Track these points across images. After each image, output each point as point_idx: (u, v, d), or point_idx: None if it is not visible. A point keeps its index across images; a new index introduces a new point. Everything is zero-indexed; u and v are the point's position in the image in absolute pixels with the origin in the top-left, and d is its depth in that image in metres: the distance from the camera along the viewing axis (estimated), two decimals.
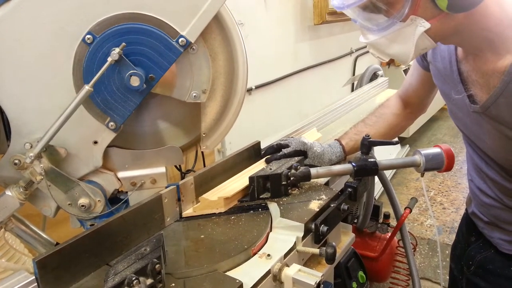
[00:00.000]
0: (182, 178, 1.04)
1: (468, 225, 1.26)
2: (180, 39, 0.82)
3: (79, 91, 0.78)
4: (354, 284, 1.70)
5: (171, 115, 0.96)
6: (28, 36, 0.78)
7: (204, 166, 1.07)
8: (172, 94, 0.90)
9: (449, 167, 1.06)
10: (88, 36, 0.79)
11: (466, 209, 1.30)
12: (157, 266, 0.70)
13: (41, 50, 0.79)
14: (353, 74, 3.66)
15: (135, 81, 0.80)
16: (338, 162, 1.22)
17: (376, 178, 1.97)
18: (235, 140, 2.17)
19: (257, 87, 2.45)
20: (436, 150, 1.07)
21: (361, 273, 1.76)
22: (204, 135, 0.97)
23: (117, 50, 0.77)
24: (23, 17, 0.77)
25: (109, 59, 0.77)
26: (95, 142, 0.88)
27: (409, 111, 1.36)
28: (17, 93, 0.81)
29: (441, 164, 1.06)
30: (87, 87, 0.77)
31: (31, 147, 0.82)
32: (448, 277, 1.39)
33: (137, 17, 0.80)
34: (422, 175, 1.11)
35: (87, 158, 0.89)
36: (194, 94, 0.90)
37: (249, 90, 2.39)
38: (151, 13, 0.81)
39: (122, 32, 0.80)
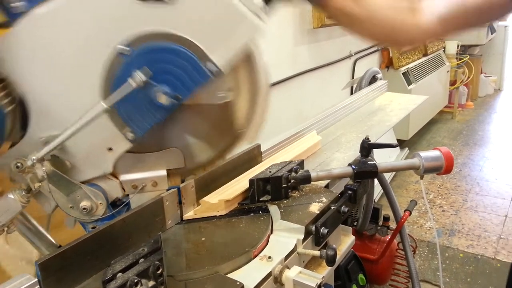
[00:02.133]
0: (183, 181, 1.04)
1: None
2: (209, 64, 0.82)
3: (99, 103, 0.78)
4: (354, 287, 1.69)
5: (197, 128, 0.96)
6: (66, 35, 0.79)
7: (205, 169, 1.07)
8: (199, 100, 0.90)
9: (448, 170, 1.07)
10: (124, 47, 0.79)
11: None
12: (159, 268, 0.70)
13: (75, 51, 0.80)
14: (352, 77, 3.67)
15: (162, 99, 0.80)
16: None
17: (376, 180, 1.98)
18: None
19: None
20: (435, 152, 1.08)
21: (361, 275, 1.76)
22: (241, 131, 0.97)
23: (142, 77, 0.78)
24: (64, 16, 0.78)
25: (132, 82, 0.78)
26: (110, 149, 0.88)
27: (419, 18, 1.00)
28: (44, 86, 0.82)
29: (440, 167, 1.07)
30: (105, 106, 0.78)
31: (46, 143, 0.82)
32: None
33: (171, 37, 0.80)
34: (422, 177, 1.12)
35: (98, 163, 0.89)
36: (221, 94, 0.89)
37: None
38: (186, 35, 0.80)
39: (157, 49, 0.80)
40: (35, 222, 0.98)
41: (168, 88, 0.81)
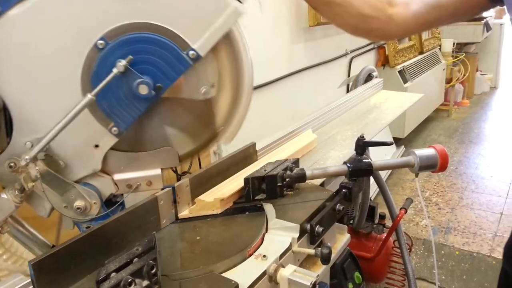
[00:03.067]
0: (178, 180, 1.04)
1: None
2: (191, 52, 0.82)
3: (82, 99, 0.78)
4: (350, 285, 1.69)
5: (178, 120, 0.96)
6: (40, 35, 0.78)
7: (200, 168, 1.07)
8: (181, 94, 0.90)
9: (443, 167, 1.07)
10: (101, 41, 0.79)
11: None
12: (153, 267, 0.70)
13: (51, 50, 0.79)
14: (348, 75, 3.68)
15: (143, 90, 0.80)
16: None
17: (372, 179, 1.98)
18: (231, 142, 2.17)
19: (253, 88, 2.46)
20: (430, 150, 1.08)
21: (357, 273, 1.76)
22: (221, 129, 0.97)
23: (123, 62, 0.78)
24: (36, 17, 0.77)
25: (114, 70, 0.78)
26: (96, 146, 0.87)
27: (394, 10, 1.02)
28: (23, 90, 0.81)
29: (435, 165, 1.07)
30: (89, 96, 0.77)
31: (32, 146, 0.82)
32: (500, 280, 1.24)
33: (150, 27, 0.81)
34: (417, 175, 1.12)
35: (87, 161, 0.89)
36: (203, 90, 0.89)
37: None
38: (164, 24, 0.81)
39: (134, 41, 0.80)
40: (25, 224, 0.97)
41: (149, 78, 0.81)
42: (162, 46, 0.81)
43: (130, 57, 0.79)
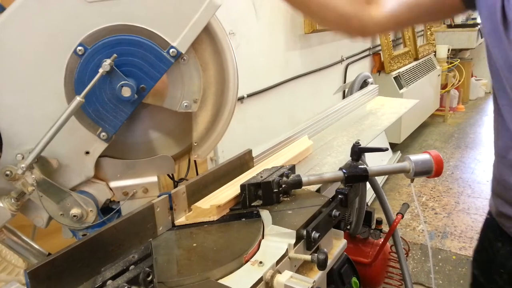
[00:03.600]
0: (175, 187, 1.04)
1: (493, 230, 1.13)
2: (171, 50, 0.83)
3: (71, 102, 0.78)
4: None
5: (163, 124, 0.97)
6: (19, 47, 0.79)
7: (197, 175, 1.07)
8: (163, 104, 0.91)
9: (438, 173, 1.08)
10: (80, 47, 0.80)
11: (490, 213, 1.16)
12: (149, 275, 0.70)
13: (32, 61, 0.80)
14: (344, 82, 3.69)
15: (126, 92, 0.81)
16: None
17: (368, 184, 1.99)
18: (228, 149, 2.18)
19: (249, 95, 2.47)
20: (425, 156, 1.09)
21: (354, 279, 1.76)
22: (195, 144, 0.97)
23: (108, 61, 0.78)
24: (14, 29, 0.78)
25: (101, 70, 0.78)
26: (87, 153, 0.88)
27: (372, 9, 1.04)
28: (7, 104, 0.82)
29: (430, 170, 1.08)
30: (78, 98, 0.78)
31: (23, 158, 0.82)
32: (470, 286, 1.28)
33: (128, 28, 0.81)
34: (412, 181, 1.13)
35: (79, 168, 0.89)
36: (185, 104, 0.90)
37: (241, 99, 2.40)
38: (142, 24, 0.82)
39: (113, 44, 0.81)
40: (20, 233, 0.97)
41: (131, 80, 0.82)
42: (142, 47, 0.82)
43: (115, 55, 0.80)
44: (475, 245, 1.26)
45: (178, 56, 0.84)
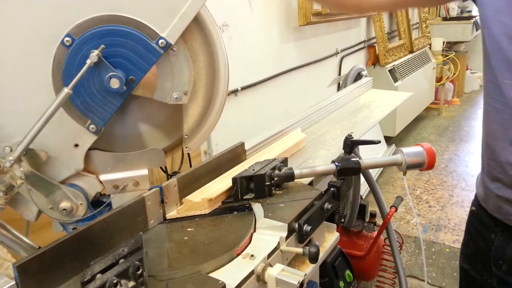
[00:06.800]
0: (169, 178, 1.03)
1: (482, 222, 1.14)
2: (160, 41, 0.82)
3: (58, 94, 0.77)
4: (341, 283, 1.70)
5: (153, 117, 0.96)
6: (4, 39, 0.78)
7: (191, 167, 1.07)
8: (153, 96, 0.90)
9: (430, 165, 1.08)
10: (67, 38, 0.79)
11: (478, 204, 1.16)
12: (139, 268, 0.70)
13: (18, 53, 0.79)
14: (339, 74, 3.69)
15: (115, 83, 0.80)
16: None
17: (362, 177, 1.99)
18: (222, 141, 2.17)
19: (243, 88, 2.46)
20: (418, 148, 1.08)
21: (348, 272, 1.77)
22: (186, 136, 0.97)
23: (96, 52, 0.77)
24: (2, 19, 0.76)
25: (88, 61, 0.77)
26: (76, 145, 0.87)
27: None
28: None
29: (422, 163, 1.07)
30: (66, 90, 0.77)
31: (11, 150, 0.81)
32: (460, 281, 1.31)
33: (116, 19, 0.80)
34: (405, 173, 1.12)
35: (68, 161, 0.88)
36: (175, 96, 0.89)
37: (235, 91, 2.39)
38: (130, 15, 0.80)
39: (101, 34, 0.80)
40: (9, 227, 0.96)
41: (120, 72, 0.80)
42: (131, 37, 0.81)
43: (103, 46, 0.78)
44: (462, 239, 1.28)
45: (167, 47, 0.83)
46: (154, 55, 0.82)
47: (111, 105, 0.84)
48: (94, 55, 0.77)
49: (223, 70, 0.92)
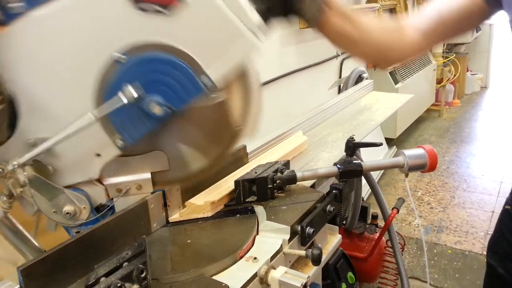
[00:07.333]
0: None
1: None
2: (204, 78, 0.82)
3: (83, 116, 0.78)
4: (344, 285, 1.70)
5: (188, 136, 0.95)
6: (63, 39, 0.77)
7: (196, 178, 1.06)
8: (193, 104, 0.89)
9: (432, 167, 1.08)
10: (120, 55, 0.79)
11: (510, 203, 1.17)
12: (143, 271, 0.70)
13: (71, 56, 0.79)
14: (340, 77, 3.69)
15: (155, 109, 0.80)
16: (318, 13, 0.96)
17: (364, 179, 1.99)
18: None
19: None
20: (419, 150, 1.09)
21: (350, 274, 1.76)
22: (240, 128, 0.95)
23: (134, 93, 0.78)
24: (62, 21, 0.77)
25: (123, 98, 0.77)
26: (98, 155, 0.87)
27: (407, 35, 1.05)
28: (36, 90, 0.80)
29: (424, 165, 1.08)
30: (91, 115, 0.77)
31: (34, 145, 0.81)
32: (485, 277, 1.31)
33: (169, 48, 0.80)
34: (406, 175, 1.13)
35: (85, 168, 0.87)
36: (213, 95, 0.88)
37: None
38: (182, 47, 0.81)
39: (153, 59, 0.80)
40: (20, 227, 0.96)
41: (161, 98, 0.81)
42: (179, 68, 0.81)
43: (139, 85, 0.79)
44: (491, 235, 1.26)
45: (211, 88, 0.83)
46: (197, 90, 0.82)
47: (145, 127, 0.83)
48: (130, 95, 0.78)
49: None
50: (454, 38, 1.06)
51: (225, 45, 0.81)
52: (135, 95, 0.78)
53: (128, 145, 0.85)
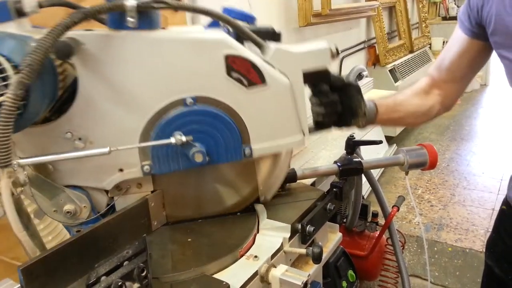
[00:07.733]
0: None
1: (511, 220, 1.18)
2: (247, 149, 0.88)
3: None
4: (344, 283, 1.70)
5: (221, 176, 0.98)
6: (153, 64, 0.82)
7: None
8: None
9: (432, 165, 1.08)
10: (190, 100, 0.83)
11: (508, 204, 1.19)
12: (143, 270, 0.70)
13: (151, 81, 0.82)
14: (340, 75, 3.69)
15: (198, 158, 0.83)
16: (369, 121, 1.09)
17: (364, 177, 1.99)
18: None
19: None
20: (419, 148, 1.09)
21: (350, 272, 1.77)
22: (261, 188, 1.00)
23: (183, 138, 0.81)
24: (154, 51, 0.81)
25: (172, 140, 0.81)
26: (121, 170, 0.87)
27: (437, 92, 1.18)
28: (100, 91, 0.82)
29: (424, 162, 1.08)
30: (107, 149, 0.78)
31: (72, 136, 0.83)
32: (483, 277, 1.33)
33: (227, 108, 0.85)
34: (407, 173, 1.13)
35: (103, 177, 0.87)
36: (246, 152, 0.90)
37: None
38: (242, 115, 0.86)
39: (212, 114, 0.85)
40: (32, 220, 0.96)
41: (204, 148, 0.84)
42: (232, 131, 0.86)
43: (191, 137, 0.83)
44: (489, 235, 1.28)
45: (249, 157, 0.89)
46: (237, 155, 0.88)
47: (177, 165, 0.86)
48: (180, 139, 0.81)
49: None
50: (473, 77, 1.17)
51: (280, 134, 0.89)
52: (184, 139, 0.82)
53: (153, 173, 0.88)
